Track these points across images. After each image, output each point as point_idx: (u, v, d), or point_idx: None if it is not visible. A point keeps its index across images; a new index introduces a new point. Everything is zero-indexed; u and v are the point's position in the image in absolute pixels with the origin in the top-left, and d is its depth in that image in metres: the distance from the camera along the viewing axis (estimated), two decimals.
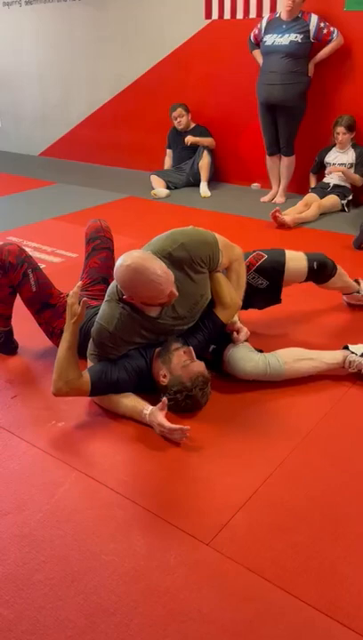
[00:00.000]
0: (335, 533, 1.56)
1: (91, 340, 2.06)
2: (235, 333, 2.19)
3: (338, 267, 2.53)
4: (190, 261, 2.01)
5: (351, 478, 1.76)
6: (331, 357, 2.24)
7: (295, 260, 2.39)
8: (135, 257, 1.88)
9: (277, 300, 2.47)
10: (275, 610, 1.35)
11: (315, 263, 2.40)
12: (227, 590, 1.40)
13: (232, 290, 2.15)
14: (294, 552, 1.50)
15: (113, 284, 2.03)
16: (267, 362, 2.16)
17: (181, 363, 1.98)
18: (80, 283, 2.07)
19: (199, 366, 2.01)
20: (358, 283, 2.78)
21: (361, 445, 1.91)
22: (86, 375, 1.96)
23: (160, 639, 1.29)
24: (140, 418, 1.97)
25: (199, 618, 1.33)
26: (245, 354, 2.19)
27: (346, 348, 2.27)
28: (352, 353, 2.23)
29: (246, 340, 2.26)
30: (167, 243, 2.00)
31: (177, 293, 1.93)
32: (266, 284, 2.38)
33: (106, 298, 2.05)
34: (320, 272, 2.44)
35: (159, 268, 1.86)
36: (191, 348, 2.04)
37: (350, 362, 2.22)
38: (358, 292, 2.76)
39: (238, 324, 2.21)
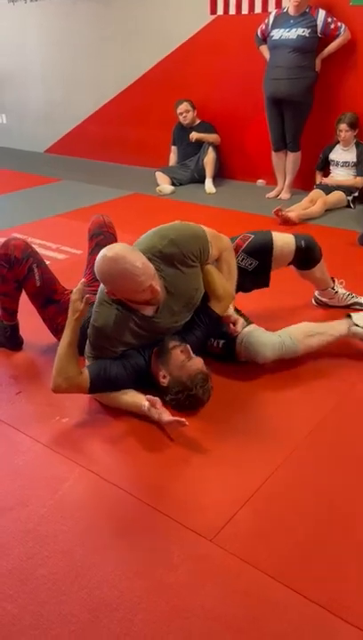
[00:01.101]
0: (339, 530, 1.56)
1: (88, 341, 2.05)
2: (231, 325, 2.18)
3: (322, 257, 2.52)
4: (182, 257, 1.99)
5: (356, 475, 1.76)
6: (337, 330, 2.32)
7: (283, 238, 2.39)
8: (115, 249, 1.87)
9: (265, 283, 2.45)
10: (278, 606, 1.35)
11: (303, 242, 2.39)
12: (230, 587, 1.40)
13: (224, 281, 2.13)
14: (297, 548, 1.50)
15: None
16: (282, 342, 2.21)
17: (179, 362, 1.97)
18: (84, 280, 2.06)
19: (197, 363, 2.00)
20: (333, 281, 2.76)
21: None
22: (85, 372, 1.96)
23: (163, 635, 1.29)
24: (140, 412, 1.98)
25: (202, 614, 1.33)
26: (261, 339, 2.21)
27: (349, 316, 2.35)
28: (355, 325, 2.32)
29: (251, 322, 2.29)
30: (156, 240, 1.99)
31: (159, 289, 1.90)
32: (255, 265, 2.37)
33: (97, 300, 2.03)
34: (308, 252, 2.42)
35: (138, 260, 1.84)
36: (188, 345, 2.03)
37: (353, 333, 2.32)
38: (332, 289, 2.74)
39: (234, 316, 2.20)
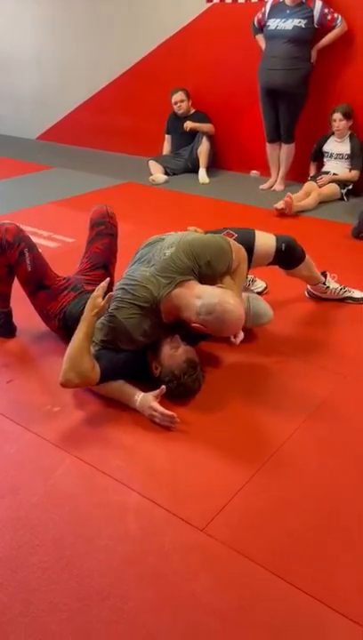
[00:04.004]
0: (330, 520, 1.57)
1: (100, 331, 2.04)
2: (232, 337, 2.19)
3: (307, 255, 2.52)
4: (213, 276, 2.04)
5: (348, 465, 1.77)
6: None
7: (264, 239, 2.39)
8: (239, 309, 1.95)
9: None
10: (268, 595, 1.36)
11: (284, 245, 2.39)
12: (221, 576, 1.41)
13: (234, 286, 2.14)
14: (288, 538, 1.51)
15: (144, 288, 1.98)
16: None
17: (169, 352, 2.00)
18: (108, 279, 2.07)
19: (187, 353, 2.02)
20: (325, 275, 2.77)
21: (358, 432, 1.91)
22: (97, 365, 1.95)
23: (154, 623, 1.29)
24: (129, 403, 1.99)
25: (193, 603, 1.34)
26: (262, 305, 2.40)
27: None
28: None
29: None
30: (194, 261, 2.00)
31: None
32: None
33: (138, 301, 1.99)
34: (288, 255, 2.43)
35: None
36: (177, 335, 2.05)
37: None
38: (323, 284, 2.75)
39: None
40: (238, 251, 2.14)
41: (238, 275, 2.15)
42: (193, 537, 1.51)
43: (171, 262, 2.00)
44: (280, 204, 4.09)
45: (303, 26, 4.29)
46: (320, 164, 4.71)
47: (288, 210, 4.09)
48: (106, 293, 1.98)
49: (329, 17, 4.30)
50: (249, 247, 2.32)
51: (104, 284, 2.00)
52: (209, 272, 2.02)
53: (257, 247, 2.35)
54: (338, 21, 4.31)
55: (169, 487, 1.68)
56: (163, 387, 1.95)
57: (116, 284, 2.13)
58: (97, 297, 1.96)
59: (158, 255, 2.06)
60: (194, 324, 1.95)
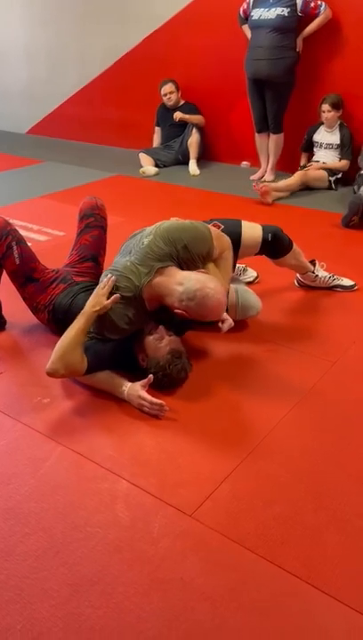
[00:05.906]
0: (317, 504, 1.59)
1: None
2: (220, 323, 2.19)
3: (294, 244, 2.53)
4: (192, 260, 2.04)
5: (336, 450, 1.79)
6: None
7: (251, 230, 2.40)
8: (220, 293, 1.96)
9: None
10: (256, 578, 1.38)
11: (270, 235, 2.41)
12: (209, 560, 1.42)
13: (220, 276, 2.15)
14: (276, 522, 1.53)
15: (126, 278, 1.99)
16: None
17: (154, 344, 2.02)
18: (114, 278, 2.05)
19: (171, 343, 2.03)
20: (314, 264, 2.78)
21: (346, 418, 1.93)
22: (85, 358, 1.96)
23: (143, 607, 1.31)
24: (117, 393, 2.00)
25: (182, 586, 1.35)
26: (251, 297, 2.41)
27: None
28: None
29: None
30: (170, 246, 2.01)
31: None
32: None
33: (120, 291, 2.00)
34: (274, 245, 2.44)
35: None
36: (161, 326, 2.05)
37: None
38: (312, 273, 2.76)
39: (224, 315, 2.21)
40: (220, 237, 2.15)
41: (223, 262, 2.16)
42: (182, 522, 1.52)
43: (149, 250, 2.01)
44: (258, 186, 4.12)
45: (287, 14, 4.26)
46: (311, 155, 4.71)
47: (268, 196, 4.11)
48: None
49: (312, 4, 4.28)
50: (236, 238, 2.33)
51: (111, 283, 1.99)
52: (187, 256, 2.02)
53: (244, 237, 2.37)
54: (322, 8, 4.29)
55: (158, 475, 1.69)
56: (150, 376, 1.96)
57: (101, 276, 2.13)
58: (102, 295, 1.97)
59: (138, 245, 2.07)
60: (177, 311, 1.96)
